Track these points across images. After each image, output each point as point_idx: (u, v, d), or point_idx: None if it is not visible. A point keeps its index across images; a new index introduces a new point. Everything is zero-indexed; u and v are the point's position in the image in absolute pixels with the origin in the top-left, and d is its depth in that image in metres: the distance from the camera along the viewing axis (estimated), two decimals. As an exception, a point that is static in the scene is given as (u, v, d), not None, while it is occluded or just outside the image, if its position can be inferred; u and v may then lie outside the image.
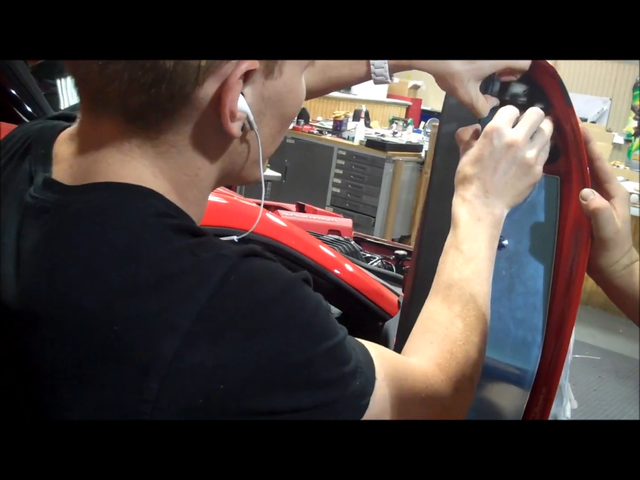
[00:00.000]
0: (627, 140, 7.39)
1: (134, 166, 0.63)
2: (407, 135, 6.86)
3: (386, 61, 1.04)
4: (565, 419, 2.01)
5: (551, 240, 0.88)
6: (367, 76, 1.06)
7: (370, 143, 6.37)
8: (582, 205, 0.83)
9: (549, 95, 0.91)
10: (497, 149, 0.86)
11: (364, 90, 8.25)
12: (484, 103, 0.96)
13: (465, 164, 0.89)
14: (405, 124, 7.29)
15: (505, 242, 0.89)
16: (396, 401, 0.70)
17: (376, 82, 1.08)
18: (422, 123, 7.88)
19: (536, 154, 0.87)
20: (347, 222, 2.82)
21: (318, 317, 0.63)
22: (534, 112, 0.88)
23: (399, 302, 1.88)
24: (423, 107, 8.77)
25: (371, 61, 1.05)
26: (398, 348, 1.12)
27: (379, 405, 0.68)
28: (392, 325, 1.75)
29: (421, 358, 0.79)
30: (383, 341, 1.77)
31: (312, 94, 1.11)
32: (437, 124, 6.02)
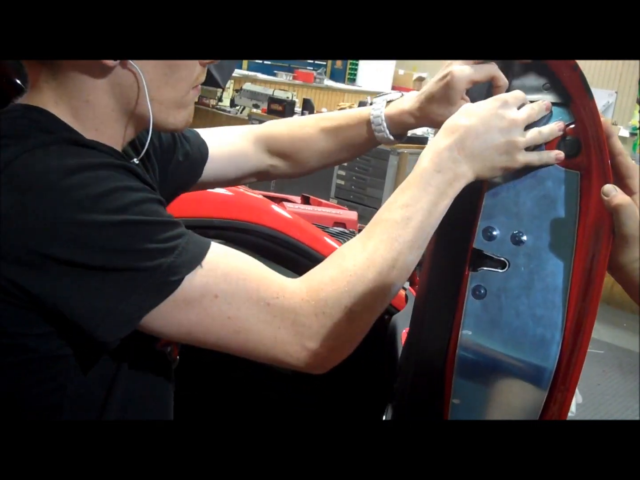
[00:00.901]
0: (633, 134, 7.36)
1: (40, 96, 0.82)
2: (412, 128, 6.83)
3: (382, 119, 1.10)
4: (570, 413, 2.01)
5: (571, 236, 0.86)
6: (371, 136, 1.13)
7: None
8: (603, 202, 0.82)
9: (569, 89, 0.89)
10: (497, 116, 0.87)
11: (369, 82, 8.22)
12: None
13: (461, 113, 0.89)
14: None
15: (524, 237, 0.88)
16: (228, 295, 0.78)
17: (379, 138, 1.13)
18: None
19: (525, 142, 0.87)
20: (353, 215, 2.80)
21: (124, 194, 0.75)
22: (542, 104, 0.89)
23: (406, 296, 1.86)
24: (428, 99, 8.73)
25: (371, 118, 1.11)
26: (409, 346, 1.11)
27: (197, 290, 0.77)
28: (398, 320, 1.74)
29: (300, 278, 0.83)
30: (390, 336, 1.75)
31: (331, 156, 1.21)
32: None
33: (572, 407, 2.06)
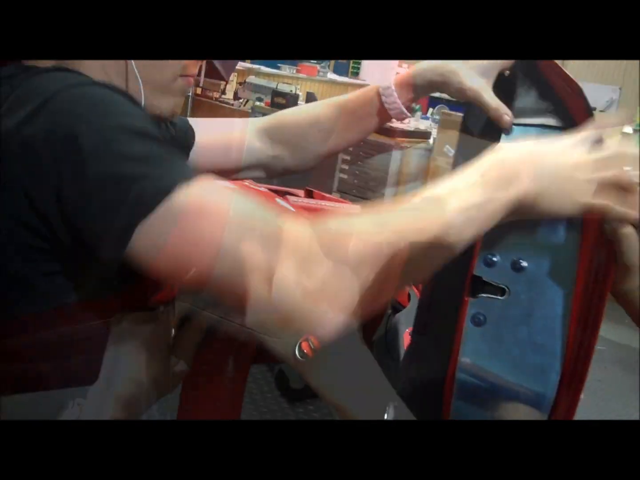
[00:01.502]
0: (637, 130, 7.33)
1: None
2: (415, 122, 6.82)
3: (392, 88, 1.11)
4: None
5: (573, 263, 0.85)
6: (380, 106, 1.14)
7: (378, 129, 6.33)
8: (605, 230, 0.81)
9: (572, 114, 0.88)
10: (570, 152, 0.78)
11: (372, 76, 8.21)
12: (499, 103, 0.95)
13: (542, 142, 0.79)
14: (413, 111, 7.24)
15: (525, 263, 0.87)
16: (212, 212, 0.72)
17: (394, 115, 1.10)
18: (430, 110, 7.83)
19: (593, 190, 0.77)
20: (356, 209, 2.79)
21: (117, 107, 0.74)
22: (628, 151, 0.78)
23: (409, 294, 1.85)
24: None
25: (380, 90, 1.12)
26: (412, 347, 1.11)
27: (184, 204, 0.71)
28: (401, 319, 1.73)
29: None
30: (392, 332, 1.75)
31: (338, 136, 1.19)
32: (446, 110, 5.93)
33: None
